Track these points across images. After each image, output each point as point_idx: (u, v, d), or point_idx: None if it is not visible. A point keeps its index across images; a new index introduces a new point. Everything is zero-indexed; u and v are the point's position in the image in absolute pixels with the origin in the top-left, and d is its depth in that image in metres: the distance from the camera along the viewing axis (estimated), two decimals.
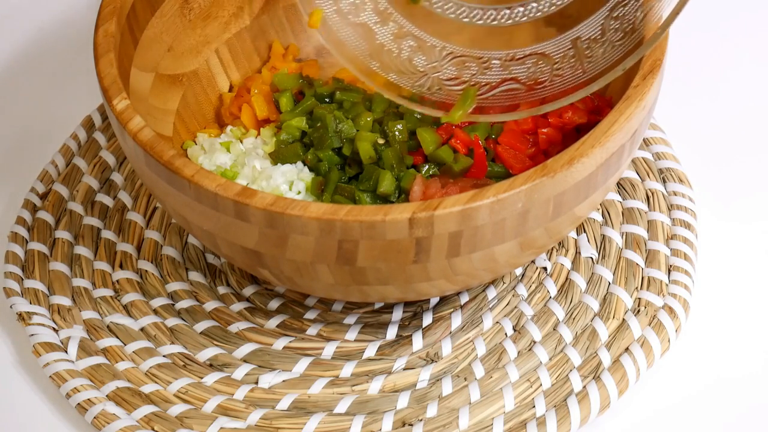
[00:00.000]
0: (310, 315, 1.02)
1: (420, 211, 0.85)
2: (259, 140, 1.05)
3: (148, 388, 0.98)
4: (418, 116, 1.04)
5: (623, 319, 1.00)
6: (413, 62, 1.02)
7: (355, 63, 1.04)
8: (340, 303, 1.03)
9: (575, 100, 0.96)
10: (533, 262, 1.04)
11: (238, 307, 1.03)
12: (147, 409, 0.96)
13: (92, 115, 1.16)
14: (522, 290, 1.03)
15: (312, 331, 1.01)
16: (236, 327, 1.02)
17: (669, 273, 1.03)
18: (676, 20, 0.89)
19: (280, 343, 1.00)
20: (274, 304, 1.03)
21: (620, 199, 1.08)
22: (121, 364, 0.99)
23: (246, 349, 1.00)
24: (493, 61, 0.98)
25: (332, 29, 1.04)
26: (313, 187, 1.00)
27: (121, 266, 1.06)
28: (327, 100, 1.07)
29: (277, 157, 1.02)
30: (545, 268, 1.04)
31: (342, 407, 0.96)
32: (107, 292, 1.04)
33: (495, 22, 1.00)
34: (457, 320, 1.01)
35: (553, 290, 1.03)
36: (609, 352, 0.98)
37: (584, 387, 0.96)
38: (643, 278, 1.03)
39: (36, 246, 1.06)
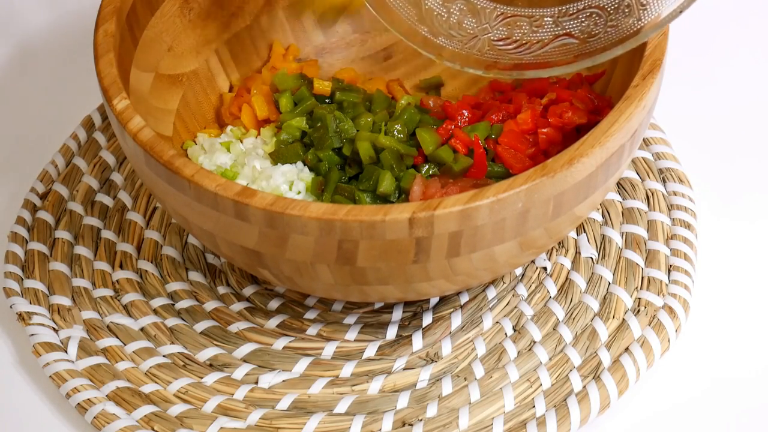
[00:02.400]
0: (310, 315, 1.02)
1: (420, 211, 0.85)
2: (259, 140, 1.05)
3: (148, 388, 0.98)
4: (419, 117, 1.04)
5: (623, 319, 1.00)
6: (463, 25, 1.02)
7: (401, 27, 1.03)
8: (340, 303, 1.03)
9: (628, 49, 0.95)
10: (533, 262, 1.04)
11: (238, 307, 1.03)
12: (147, 409, 0.96)
13: (92, 115, 1.16)
14: (522, 290, 1.03)
15: (312, 331, 1.01)
16: (236, 327, 1.02)
17: (669, 273, 1.03)
18: None
19: (280, 343, 1.00)
20: (274, 304, 1.03)
21: (620, 199, 1.08)
22: (121, 364, 0.99)
23: (246, 349, 1.00)
24: (545, 19, 0.98)
25: None
26: (313, 187, 1.00)
27: (121, 266, 1.06)
28: (327, 100, 1.07)
29: (277, 157, 1.02)
30: (545, 268, 1.04)
31: (342, 407, 0.96)
32: (107, 292, 1.04)
33: None
34: (457, 320, 1.01)
35: (553, 290, 1.03)
36: (609, 352, 0.98)
37: (584, 387, 0.96)
38: (643, 278, 1.03)
39: (36, 246, 1.06)
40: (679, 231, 1.05)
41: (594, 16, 0.97)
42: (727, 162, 1.13)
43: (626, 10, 0.95)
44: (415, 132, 1.02)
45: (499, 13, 1.00)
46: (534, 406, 0.96)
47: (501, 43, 1.00)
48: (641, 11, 0.95)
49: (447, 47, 1.02)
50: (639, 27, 0.95)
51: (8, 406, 0.99)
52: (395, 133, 1.02)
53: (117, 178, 1.11)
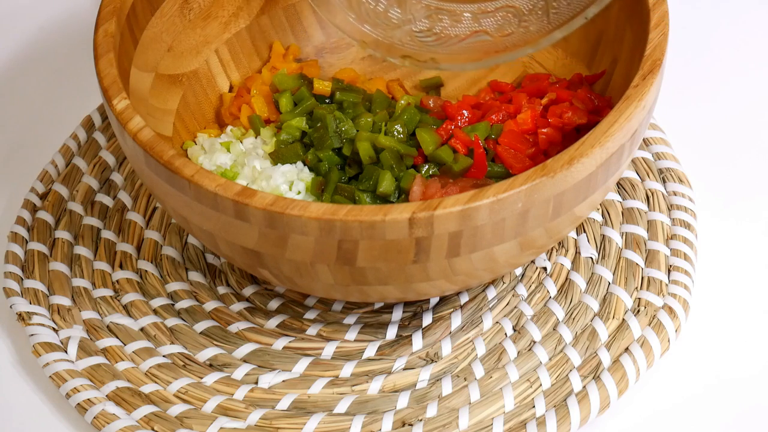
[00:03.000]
0: (310, 315, 1.02)
1: (420, 211, 0.85)
2: (259, 140, 1.05)
3: (148, 388, 0.98)
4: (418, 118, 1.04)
5: (623, 319, 1.00)
6: (388, 15, 1.03)
7: (331, 14, 1.05)
8: (340, 303, 1.03)
9: (538, 49, 0.99)
10: (533, 262, 1.04)
11: (238, 307, 1.03)
12: (147, 409, 0.96)
13: (92, 115, 1.16)
14: (522, 290, 1.03)
15: (312, 331, 1.01)
16: (236, 327, 1.02)
17: (669, 273, 1.03)
18: None
19: (279, 343, 1.00)
20: (274, 304, 1.03)
21: (620, 199, 1.08)
22: (121, 364, 0.99)
23: (246, 349, 1.00)
24: (465, 14, 1.00)
25: None
26: (313, 187, 1.00)
27: (121, 266, 1.06)
28: (327, 100, 1.07)
29: (277, 157, 1.02)
30: (545, 268, 1.04)
31: (342, 407, 0.96)
32: (107, 292, 1.04)
33: None
34: (457, 320, 1.01)
35: (553, 290, 1.03)
36: (609, 352, 0.98)
37: (584, 387, 0.96)
38: (643, 278, 1.03)
39: (36, 246, 1.06)
40: (679, 231, 1.05)
41: (509, 15, 0.99)
42: (727, 162, 1.13)
43: (539, 12, 0.97)
44: (415, 132, 1.02)
45: (423, 5, 1.01)
46: (534, 406, 0.96)
47: (421, 35, 1.02)
48: (552, 14, 0.97)
49: (371, 35, 1.03)
50: (549, 29, 0.97)
51: (8, 406, 0.99)
52: (395, 133, 1.02)
53: (117, 178, 1.11)
